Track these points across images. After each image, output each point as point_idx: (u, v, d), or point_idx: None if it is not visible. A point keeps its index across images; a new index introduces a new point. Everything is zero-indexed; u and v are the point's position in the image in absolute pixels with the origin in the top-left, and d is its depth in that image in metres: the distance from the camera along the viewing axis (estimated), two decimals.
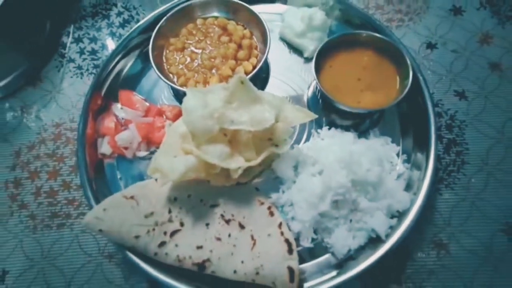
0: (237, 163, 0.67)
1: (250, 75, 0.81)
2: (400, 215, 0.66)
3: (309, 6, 0.92)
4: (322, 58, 0.80)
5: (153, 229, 0.66)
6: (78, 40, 0.99)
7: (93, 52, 0.98)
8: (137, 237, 0.64)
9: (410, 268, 0.68)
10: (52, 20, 0.99)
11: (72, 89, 0.92)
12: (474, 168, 0.75)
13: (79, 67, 0.95)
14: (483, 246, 0.69)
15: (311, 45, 0.88)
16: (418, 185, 0.69)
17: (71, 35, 1.00)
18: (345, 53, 0.82)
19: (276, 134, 0.69)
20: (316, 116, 0.68)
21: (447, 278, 0.67)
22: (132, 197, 0.68)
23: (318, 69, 0.80)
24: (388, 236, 0.64)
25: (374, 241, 0.66)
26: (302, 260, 0.67)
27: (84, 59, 0.96)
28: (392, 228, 0.65)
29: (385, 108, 0.75)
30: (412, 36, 0.92)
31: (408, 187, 0.71)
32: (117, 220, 0.64)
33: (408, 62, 0.75)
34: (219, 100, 0.67)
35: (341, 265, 0.66)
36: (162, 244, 0.65)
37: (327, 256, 0.68)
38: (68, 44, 0.99)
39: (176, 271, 0.65)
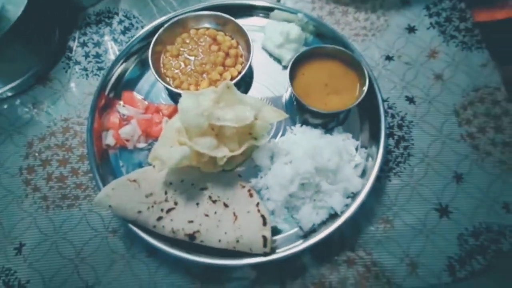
0: (223, 153, 0.82)
1: (236, 79, 0.96)
2: (353, 196, 0.82)
3: (288, 21, 1.07)
4: (296, 67, 0.96)
5: (152, 206, 0.79)
6: (83, 45, 1.11)
7: (97, 55, 1.10)
8: (139, 212, 0.77)
9: (362, 239, 0.84)
10: (60, 26, 1.11)
11: (78, 88, 1.04)
12: (417, 160, 0.92)
13: (85, 69, 1.07)
14: (419, 221, 0.85)
15: (288, 55, 1.03)
16: (370, 172, 0.85)
17: (77, 40, 1.12)
18: (315, 62, 0.97)
19: (255, 129, 0.84)
20: (287, 116, 0.84)
21: (391, 246, 0.83)
22: (134, 180, 0.82)
23: (292, 76, 0.95)
24: (343, 212, 0.80)
25: (333, 217, 0.81)
26: (275, 233, 0.82)
27: (89, 62, 1.09)
28: (347, 206, 0.81)
29: (345, 110, 0.91)
30: (374, 49, 1.08)
31: (363, 174, 0.87)
32: (124, 197, 0.77)
33: (366, 72, 0.91)
34: (209, 101, 0.82)
35: (306, 236, 0.81)
36: (160, 218, 0.78)
37: (295, 229, 0.83)
38: (74, 48, 1.11)
39: (171, 241, 0.78)
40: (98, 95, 0.95)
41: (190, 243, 0.78)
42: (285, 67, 1.04)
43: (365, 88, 0.89)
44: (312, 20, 1.05)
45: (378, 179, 0.84)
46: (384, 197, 0.88)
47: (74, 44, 1.11)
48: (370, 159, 0.89)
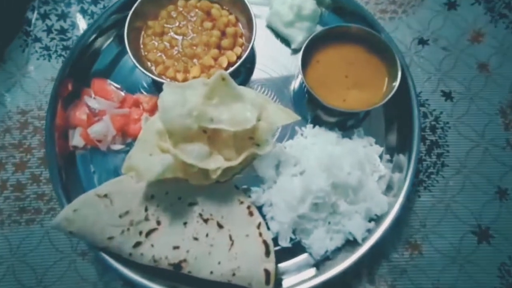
0: (216, 164, 0.65)
1: (234, 66, 0.76)
2: (378, 218, 0.67)
3: None
4: (309, 52, 0.76)
5: (128, 229, 0.64)
6: (44, 17, 0.90)
7: (62, 31, 0.89)
8: (110, 238, 0.62)
9: (384, 268, 0.70)
10: None
11: (39, 72, 0.84)
12: (452, 171, 0.76)
13: (47, 48, 0.87)
14: (453, 247, 0.71)
15: (299, 36, 0.83)
16: (398, 187, 0.69)
17: (36, 10, 0.90)
18: (333, 47, 0.78)
19: (257, 133, 0.67)
20: (299, 118, 0.66)
21: (417, 277, 0.69)
22: (105, 195, 0.65)
23: (304, 64, 0.76)
24: (365, 239, 0.65)
25: (351, 242, 0.66)
26: (280, 259, 0.68)
27: (52, 39, 0.88)
28: (369, 231, 0.66)
29: (369, 109, 0.73)
30: (405, 30, 0.88)
31: (388, 188, 0.71)
32: (89, 221, 0.61)
33: (398, 63, 0.73)
34: (198, 96, 0.63)
35: (317, 265, 0.67)
36: (137, 244, 0.63)
37: (304, 256, 0.69)
38: (33, 21, 0.89)
39: (152, 270, 0.64)
40: (60, 82, 0.76)
41: (176, 273, 0.64)
42: (294, 51, 0.85)
43: (396, 84, 0.71)
44: None
45: (408, 196, 0.68)
46: (411, 217, 0.73)
47: (33, 16, 0.90)
48: (396, 170, 0.73)
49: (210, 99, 0.64)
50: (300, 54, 0.74)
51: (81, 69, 0.81)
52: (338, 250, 0.67)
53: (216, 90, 0.64)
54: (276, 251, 0.68)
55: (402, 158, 0.73)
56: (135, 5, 0.79)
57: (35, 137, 0.79)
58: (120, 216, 0.65)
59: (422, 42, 0.87)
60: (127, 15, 0.78)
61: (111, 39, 0.84)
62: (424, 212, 0.73)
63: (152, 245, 0.64)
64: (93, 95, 0.78)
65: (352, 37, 0.77)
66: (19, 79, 0.84)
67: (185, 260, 0.63)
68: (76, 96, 0.79)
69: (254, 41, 0.78)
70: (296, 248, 0.69)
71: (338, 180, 0.65)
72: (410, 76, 0.76)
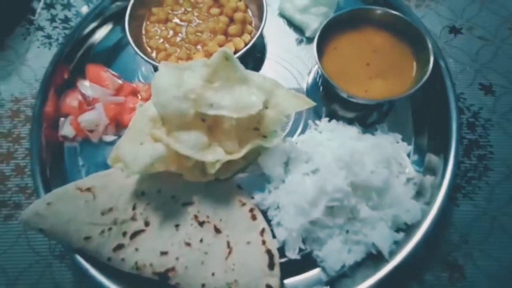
0: (215, 156, 0.56)
1: (241, 52, 0.69)
2: (407, 229, 0.55)
3: None
4: (326, 38, 0.68)
5: (109, 229, 0.55)
6: (49, 6, 0.87)
7: (66, 20, 0.85)
8: (87, 238, 0.53)
9: None
10: None
11: (37, 60, 0.80)
12: (499, 176, 0.63)
13: (48, 36, 0.83)
14: (506, 270, 0.57)
15: (314, 23, 0.75)
16: (432, 193, 0.57)
17: (42, 0, 0.88)
18: (353, 32, 0.69)
19: (264, 123, 0.58)
20: (315, 104, 0.57)
21: None
22: (88, 189, 0.57)
23: (320, 51, 0.67)
24: (391, 253, 0.53)
25: (374, 257, 0.54)
26: (286, 274, 0.57)
27: (55, 28, 0.84)
28: (397, 244, 0.54)
29: (396, 98, 0.62)
30: (433, 17, 0.79)
31: (418, 194, 0.59)
32: (64, 217, 0.53)
33: (429, 45, 0.63)
34: (198, 79, 0.56)
35: (332, 283, 0.55)
36: (119, 247, 0.54)
37: (316, 271, 0.57)
38: (38, 10, 0.87)
39: (135, 280, 0.54)
40: (54, 67, 0.71)
41: (162, 285, 0.54)
42: (309, 40, 0.77)
43: (428, 69, 0.61)
44: None
45: (444, 204, 0.56)
46: (449, 230, 0.60)
47: (38, 6, 0.87)
48: (429, 172, 0.61)
49: (211, 82, 0.56)
50: (315, 39, 0.66)
51: (78, 56, 0.76)
52: (357, 265, 0.55)
53: (219, 71, 0.56)
54: (282, 264, 0.57)
55: (434, 158, 0.61)
56: None
57: (26, 127, 0.73)
58: (103, 214, 0.56)
59: (454, 30, 0.77)
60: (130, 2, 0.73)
61: (111, 26, 0.80)
62: (465, 224, 0.60)
63: (137, 249, 0.55)
64: (89, 82, 0.72)
65: (375, 21, 0.68)
66: (17, 67, 0.80)
67: (173, 269, 0.53)
68: (71, 85, 0.73)
69: (264, 26, 0.71)
70: (307, 261, 0.57)
71: (359, 179, 0.54)
72: (445, 62, 0.65)
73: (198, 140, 0.56)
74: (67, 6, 0.87)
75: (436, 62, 0.64)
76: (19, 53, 0.81)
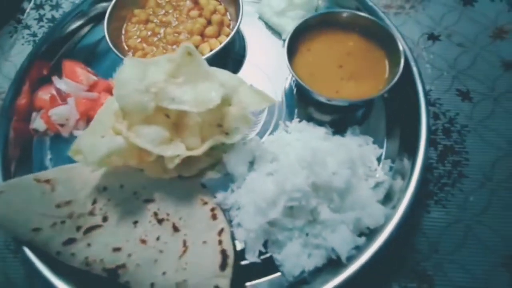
0: (175, 151, 0.55)
1: (214, 51, 0.70)
2: (370, 233, 0.52)
3: None
4: (299, 40, 0.68)
5: (62, 222, 0.53)
6: (39, 7, 0.90)
7: (52, 20, 0.88)
8: (36, 230, 0.51)
9: None
10: None
11: (20, 57, 0.81)
12: (473, 184, 0.60)
13: (34, 34, 0.86)
14: (478, 283, 0.53)
15: (290, 26, 0.75)
16: (398, 197, 0.54)
17: (32, 1, 0.91)
18: (326, 35, 0.69)
19: (227, 120, 0.57)
20: (275, 101, 0.56)
21: None
22: (47, 181, 0.57)
23: (294, 52, 0.68)
24: (350, 258, 0.50)
25: (335, 263, 0.51)
26: (246, 277, 0.54)
27: (41, 27, 0.87)
28: (358, 249, 0.51)
29: (366, 99, 0.61)
30: (412, 25, 0.78)
31: (388, 199, 0.57)
32: (14, 207, 0.52)
33: (400, 47, 0.62)
34: (161, 73, 0.55)
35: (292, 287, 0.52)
36: (70, 241, 0.52)
37: (277, 275, 0.54)
38: (27, 10, 0.90)
39: (88, 276, 0.52)
40: (29, 61, 0.72)
41: (112, 283, 0.51)
42: (285, 42, 0.77)
43: (399, 69, 0.60)
44: None
45: (411, 209, 0.53)
46: (419, 238, 0.57)
47: (28, 6, 0.90)
48: (399, 177, 0.58)
49: (175, 77, 0.56)
50: (286, 41, 0.66)
51: (59, 54, 0.77)
52: (318, 271, 0.52)
53: (182, 67, 0.56)
54: (243, 266, 0.55)
55: (406, 163, 0.59)
56: None
57: None
58: (58, 206, 0.55)
59: (432, 37, 0.76)
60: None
61: (93, 25, 0.82)
62: (435, 233, 0.57)
63: (89, 244, 0.53)
64: (64, 77, 0.73)
65: (348, 25, 0.68)
66: (0, 62, 0.81)
67: (124, 266, 0.51)
68: (48, 80, 0.74)
69: (238, 27, 0.72)
70: (268, 265, 0.54)
71: (320, 180, 0.52)
72: (417, 68, 0.64)
73: (158, 134, 0.55)
74: (56, 6, 0.90)
75: (408, 65, 0.63)
76: (4, 49, 0.84)
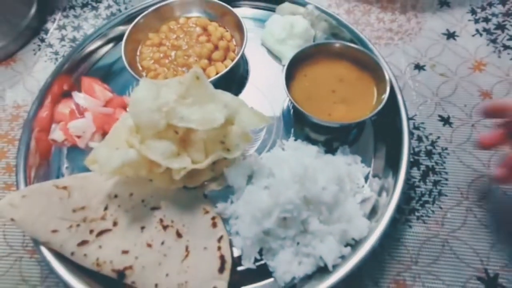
0: (181, 164, 0.61)
1: (219, 74, 0.77)
2: (355, 244, 0.58)
3: (295, 14, 0.89)
4: (296, 65, 0.76)
5: (78, 225, 0.59)
6: (61, 27, 0.99)
7: (74, 40, 0.97)
8: (54, 231, 0.57)
9: None
10: (39, 5, 0.99)
11: (43, 73, 0.89)
12: (452, 202, 0.66)
13: (56, 53, 0.94)
14: None
15: (290, 53, 0.83)
16: (381, 212, 0.60)
17: (56, 22, 1.00)
18: (321, 63, 0.77)
19: (229, 137, 0.63)
20: (272, 121, 0.62)
21: None
22: (65, 187, 0.63)
23: (292, 77, 0.75)
24: (336, 267, 0.55)
25: (322, 271, 0.56)
26: (241, 282, 0.59)
27: (63, 46, 0.95)
28: (344, 258, 0.56)
29: (355, 122, 0.68)
30: (400, 55, 0.86)
31: (373, 213, 0.63)
32: (36, 209, 0.57)
33: (386, 76, 0.70)
34: (172, 94, 0.63)
35: None
36: (83, 243, 0.58)
37: (270, 281, 0.59)
38: (51, 30, 0.99)
39: (98, 277, 0.57)
40: (54, 77, 0.79)
41: (119, 283, 0.56)
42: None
43: (385, 96, 0.67)
44: (324, 13, 0.85)
45: (394, 222, 0.59)
46: (400, 250, 0.62)
47: (52, 26, 0.99)
48: (384, 193, 0.64)
49: (184, 98, 0.63)
50: (285, 67, 0.73)
51: (79, 70, 0.85)
52: (308, 278, 0.57)
53: (191, 89, 0.63)
54: (239, 272, 0.60)
55: (390, 181, 0.65)
56: (137, 19, 0.85)
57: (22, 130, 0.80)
58: (74, 211, 0.61)
59: (418, 67, 0.84)
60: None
61: (112, 46, 0.90)
62: (416, 246, 0.62)
63: (100, 247, 0.58)
64: (83, 93, 0.80)
65: (341, 54, 0.76)
66: (24, 77, 0.89)
67: (131, 267, 0.56)
68: (68, 95, 0.82)
69: (242, 53, 0.79)
70: (262, 271, 0.59)
71: (310, 194, 0.58)
72: (402, 96, 0.71)
73: (167, 148, 0.61)
74: (77, 28, 0.99)
75: (394, 94, 0.70)
76: (27, 65, 0.92)
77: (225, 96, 0.66)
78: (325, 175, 0.59)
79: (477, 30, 0.89)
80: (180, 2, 0.90)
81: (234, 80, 0.85)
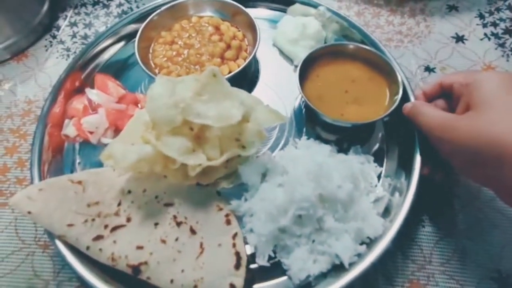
0: (197, 160, 0.61)
1: (232, 73, 0.78)
2: (371, 243, 0.58)
3: (306, 15, 0.90)
4: (309, 66, 0.76)
5: (93, 220, 0.59)
6: (73, 25, 0.99)
7: (85, 37, 0.97)
8: (70, 225, 0.57)
9: None
10: (51, 2, 1.00)
11: (54, 69, 0.90)
12: (463, 202, 0.67)
13: (67, 49, 0.94)
14: None
15: (302, 53, 0.84)
16: (396, 211, 0.61)
17: (67, 19, 1.01)
18: (334, 63, 0.78)
19: (244, 135, 0.64)
20: (286, 119, 0.63)
21: None
22: (79, 182, 0.63)
23: (304, 77, 0.76)
24: (352, 265, 0.55)
25: (338, 269, 0.57)
26: (255, 279, 0.59)
27: (74, 42, 0.96)
28: (360, 256, 0.56)
29: (367, 122, 0.69)
30: (410, 57, 0.87)
31: (386, 213, 0.63)
32: (53, 203, 0.57)
33: (399, 77, 0.70)
34: (188, 91, 0.63)
35: None
36: (99, 237, 0.58)
37: (283, 279, 0.59)
38: (62, 27, 0.99)
39: (111, 274, 0.57)
40: (68, 74, 0.80)
41: (134, 279, 0.56)
42: (297, 68, 0.85)
43: (398, 97, 0.68)
44: (335, 15, 0.86)
45: (407, 222, 0.59)
46: (414, 250, 0.63)
47: (63, 23, 0.99)
48: (397, 193, 0.65)
49: (201, 95, 0.63)
50: (298, 67, 0.74)
51: (91, 67, 0.85)
52: (323, 276, 0.57)
53: (207, 86, 0.63)
54: (252, 270, 0.59)
55: (403, 182, 0.66)
56: (149, 17, 0.86)
57: (34, 125, 0.80)
58: (89, 205, 0.60)
59: (428, 69, 0.85)
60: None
61: (124, 44, 0.90)
62: (429, 246, 0.63)
63: (115, 242, 0.58)
64: (96, 90, 0.80)
65: (354, 55, 0.77)
66: (35, 73, 0.89)
67: (146, 263, 0.56)
68: (81, 91, 0.82)
69: (255, 52, 0.80)
70: (276, 269, 0.59)
71: (326, 192, 0.58)
72: (414, 97, 0.72)
73: (182, 144, 0.61)
74: (88, 25, 0.99)
75: (407, 95, 0.71)
76: (39, 61, 0.92)
77: (241, 93, 0.66)
78: (340, 173, 0.60)
79: (485, 34, 0.90)
80: (194, 1, 0.90)
81: (246, 79, 0.86)
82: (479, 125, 0.47)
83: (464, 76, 0.58)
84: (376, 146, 0.73)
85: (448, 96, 0.63)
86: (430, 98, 0.66)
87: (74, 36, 0.97)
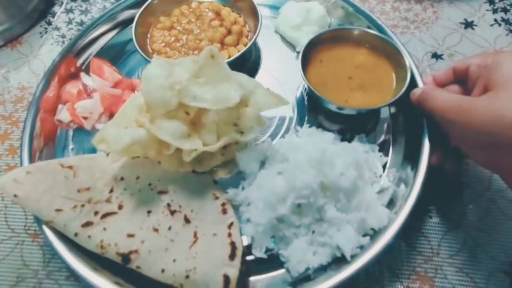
0: (192, 145, 0.58)
1: (232, 58, 0.75)
2: (374, 234, 0.54)
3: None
4: (312, 51, 0.73)
5: (82, 205, 0.56)
6: (69, 11, 0.97)
7: (81, 23, 0.94)
8: (58, 210, 0.54)
9: None
10: None
11: (49, 55, 0.87)
12: (473, 193, 0.63)
13: (63, 36, 0.92)
14: (477, 286, 0.55)
15: (304, 39, 0.81)
16: (401, 203, 0.57)
17: (63, 6, 0.98)
18: (338, 48, 0.74)
19: (243, 119, 0.61)
20: (289, 102, 0.60)
21: None
22: (70, 167, 0.60)
23: (306, 63, 0.72)
24: (354, 257, 0.52)
25: (339, 262, 0.53)
26: (251, 271, 0.56)
27: (70, 29, 0.93)
28: (362, 248, 0.53)
29: (373, 108, 0.65)
30: (417, 44, 0.84)
31: (391, 204, 0.60)
32: (40, 187, 0.55)
33: (407, 62, 0.67)
34: (185, 73, 0.60)
35: (295, 285, 0.53)
36: (88, 224, 0.55)
37: (281, 271, 0.56)
38: (58, 14, 0.97)
39: (102, 260, 0.54)
40: (62, 57, 0.77)
41: (123, 268, 0.53)
42: (299, 55, 0.82)
43: (407, 82, 0.64)
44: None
45: (414, 213, 0.56)
46: (421, 241, 0.59)
47: (59, 10, 0.97)
48: (402, 184, 0.61)
49: (198, 77, 0.60)
50: (301, 52, 0.71)
51: (87, 52, 0.83)
52: (323, 269, 0.54)
53: (205, 68, 0.60)
54: (248, 261, 0.56)
55: (409, 172, 0.62)
56: (147, 2, 0.83)
57: (26, 112, 0.78)
58: (79, 191, 0.58)
59: (435, 56, 0.81)
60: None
61: (119, 29, 0.87)
62: (437, 237, 0.59)
63: (105, 229, 0.55)
64: (91, 74, 0.78)
65: (358, 40, 0.74)
66: (29, 60, 0.87)
67: (136, 251, 0.53)
68: (75, 77, 0.79)
69: (256, 37, 0.77)
70: (273, 261, 0.56)
71: (328, 180, 0.55)
72: (423, 83, 0.68)
73: (178, 128, 0.58)
74: (85, 12, 0.97)
75: (414, 81, 0.68)
76: (34, 48, 0.89)
77: (241, 76, 0.63)
78: (343, 160, 0.56)
79: (495, 20, 0.86)
80: None
81: (246, 65, 0.83)
82: (500, 105, 0.44)
83: (481, 58, 0.55)
84: (382, 137, 0.70)
85: (461, 83, 0.59)
86: (441, 85, 0.62)
87: (69, 22, 0.94)
